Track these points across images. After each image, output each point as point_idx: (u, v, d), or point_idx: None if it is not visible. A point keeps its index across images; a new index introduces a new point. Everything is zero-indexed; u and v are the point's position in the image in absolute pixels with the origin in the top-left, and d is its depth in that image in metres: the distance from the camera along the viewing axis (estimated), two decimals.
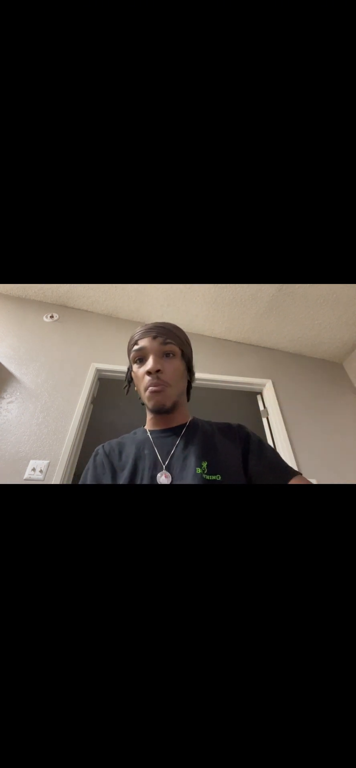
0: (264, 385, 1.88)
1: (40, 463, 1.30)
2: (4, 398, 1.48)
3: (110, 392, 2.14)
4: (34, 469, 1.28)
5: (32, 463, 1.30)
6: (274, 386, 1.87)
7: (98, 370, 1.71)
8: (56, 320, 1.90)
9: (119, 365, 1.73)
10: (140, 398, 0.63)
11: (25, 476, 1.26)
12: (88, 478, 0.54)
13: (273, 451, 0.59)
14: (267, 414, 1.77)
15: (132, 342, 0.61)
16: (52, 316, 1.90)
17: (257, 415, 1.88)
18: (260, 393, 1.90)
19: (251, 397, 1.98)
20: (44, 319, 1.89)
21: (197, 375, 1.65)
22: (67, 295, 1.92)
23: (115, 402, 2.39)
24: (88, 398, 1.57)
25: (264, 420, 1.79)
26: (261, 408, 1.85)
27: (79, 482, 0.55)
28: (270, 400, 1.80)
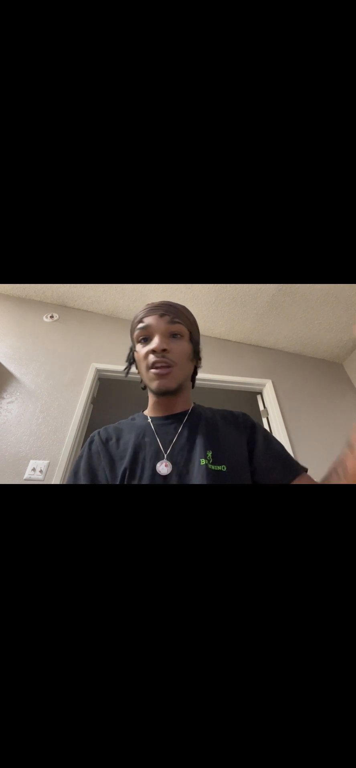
0: (264, 385, 1.88)
1: (40, 463, 1.30)
2: (4, 398, 1.48)
3: (110, 392, 2.14)
4: (34, 469, 1.28)
5: (32, 463, 1.30)
6: (274, 386, 1.87)
7: (98, 370, 1.71)
8: (56, 320, 1.90)
9: (119, 365, 1.73)
10: (141, 381, 0.60)
11: (25, 476, 1.27)
12: (81, 466, 0.51)
13: (280, 445, 0.56)
14: (267, 414, 1.77)
15: (136, 320, 0.57)
16: (52, 316, 1.90)
17: (257, 415, 1.88)
18: (260, 393, 1.90)
19: (251, 397, 1.98)
20: (44, 319, 1.89)
21: (197, 375, 1.64)
22: (67, 295, 1.92)
23: (115, 402, 2.39)
24: (88, 398, 1.57)
25: (264, 420, 1.78)
26: (261, 408, 1.85)
27: (71, 470, 0.53)
28: (270, 400, 1.80)
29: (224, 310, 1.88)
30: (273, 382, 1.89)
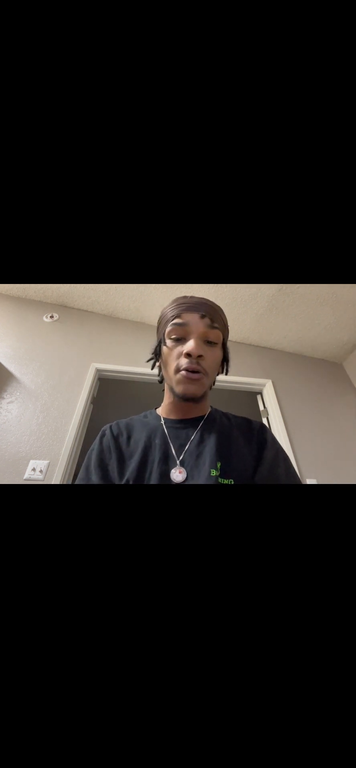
0: (264, 385, 1.88)
1: (40, 463, 1.30)
2: (4, 398, 1.48)
3: (110, 392, 2.14)
4: (34, 469, 1.28)
5: (32, 463, 1.30)
6: (274, 386, 1.88)
7: (98, 370, 1.71)
8: (56, 320, 1.90)
9: (118, 365, 1.73)
10: (159, 374, 0.58)
11: (25, 476, 1.27)
12: (92, 459, 0.51)
13: (287, 468, 0.53)
14: (267, 414, 1.77)
15: (172, 314, 0.52)
16: (52, 316, 1.90)
17: (257, 415, 1.88)
18: (260, 393, 1.90)
19: (251, 397, 1.98)
20: (44, 319, 1.89)
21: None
22: (67, 295, 1.92)
23: (115, 402, 2.39)
24: (88, 398, 1.57)
25: (264, 420, 1.79)
26: (261, 408, 1.85)
27: (84, 464, 0.52)
28: (270, 400, 1.80)
29: (224, 310, 1.87)
30: (272, 382, 1.89)
